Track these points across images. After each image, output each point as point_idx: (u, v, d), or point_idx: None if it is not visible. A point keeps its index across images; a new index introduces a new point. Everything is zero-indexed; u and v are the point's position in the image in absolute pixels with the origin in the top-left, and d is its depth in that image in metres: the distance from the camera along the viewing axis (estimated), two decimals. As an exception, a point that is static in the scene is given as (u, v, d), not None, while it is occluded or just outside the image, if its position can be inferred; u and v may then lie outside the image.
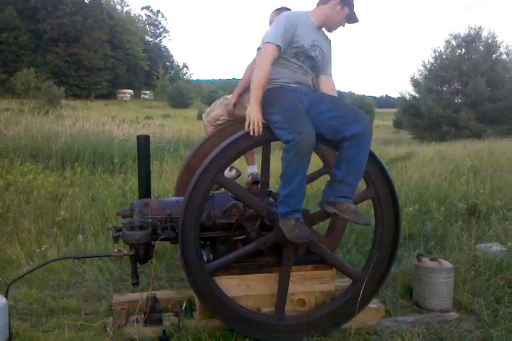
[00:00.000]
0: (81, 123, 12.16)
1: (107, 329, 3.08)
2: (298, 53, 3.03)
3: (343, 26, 3.14)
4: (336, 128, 2.88)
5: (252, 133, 2.88)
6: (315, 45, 3.07)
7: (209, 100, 67.82)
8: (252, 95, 2.93)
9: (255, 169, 4.18)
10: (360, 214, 2.97)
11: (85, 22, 59.95)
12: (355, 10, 3.09)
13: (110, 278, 4.06)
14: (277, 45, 2.93)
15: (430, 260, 3.71)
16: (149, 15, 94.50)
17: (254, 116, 2.87)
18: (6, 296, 2.95)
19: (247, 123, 2.90)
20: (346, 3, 3.03)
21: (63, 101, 32.99)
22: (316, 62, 3.11)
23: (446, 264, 3.67)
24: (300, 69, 3.08)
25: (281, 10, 3.85)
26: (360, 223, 2.99)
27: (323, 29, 3.18)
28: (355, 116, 2.92)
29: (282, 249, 3.11)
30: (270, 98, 2.95)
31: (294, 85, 3.07)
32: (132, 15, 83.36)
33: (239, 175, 4.07)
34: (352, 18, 3.10)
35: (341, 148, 2.93)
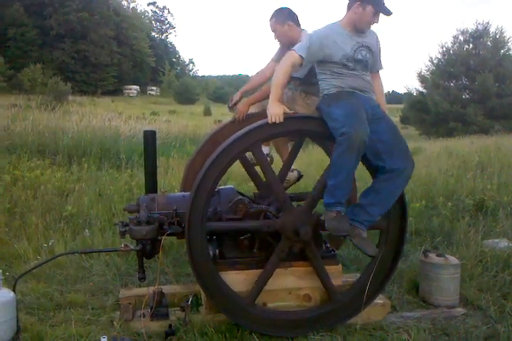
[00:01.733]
0: (88, 119, 12.18)
1: (114, 323, 3.10)
2: (345, 63, 3.09)
3: (377, 22, 3.16)
4: (379, 154, 2.97)
5: None
6: (359, 47, 3.12)
7: (214, 96, 67.91)
8: (272, 93, 3.01)
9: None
10: (370, 244, 3.03)
11: (92, 18, 59.89)
12: (384, 2, 3.10)
13: (117, 272, 4.08)
14: (300, 55, 3.01)
15: (437, 256, 3.70)
16: (155, 12, 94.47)
17: (274, 113, 2.92)
18: (13, 290, 2.97)
19: (269, 120, 2.94)
20: (367, 2, 3.05)
21: (70, 98, 33.05)
22: (366, 61, 3.16)
23: (453, 260, 3.66)
24: (357, 77, 3.13)
25: (282, 11, 3.76)
26: (365, 252, 3.03)
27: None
28: (404, 153, 3.02)
29: (280, 239, 3.11)
30: (339, 96, 3.05)
31: (365, 95, 3.14)
32: (138, 11, 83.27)
33: (300, 176, 4.09)
34: (383, 12, 3.11)
35: (377, 177, 3.03)
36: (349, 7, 3.13)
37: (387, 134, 3.04)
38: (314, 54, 3.06)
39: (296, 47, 3.10)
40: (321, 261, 3.19)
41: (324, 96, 3.17)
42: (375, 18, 3.12)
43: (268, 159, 3.81)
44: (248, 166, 3.91)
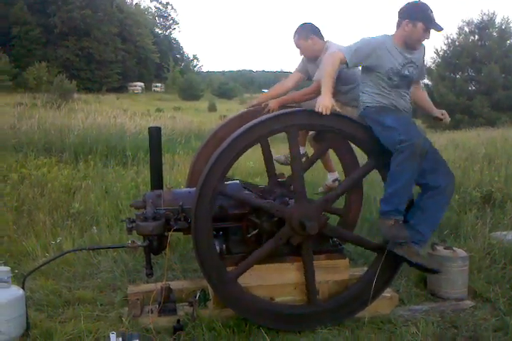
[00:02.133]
0: (93, 116, 12.20)
1: (123, 319, 3.12)
2: (390, 76, 3.11)
3: (428, 38, 3.15)
4: (424, 171, 2.99)
5: None
6: (407, 63, 3.14)
7: (219, 92, 67.82)
8: (324, 86, 3.03)
9: (337, 175, 4.21)
10: (429, 260, 3.12)
11: (95, 15, 59.89)
12: (434, 18, 3.10)
13: (125, 269, 4.10)
14: (345, 57, 3.08)
15: (445, 248, 3.69)
16: (159, 8, 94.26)
17: (324, 104, 2.92)
18: (23, 287, 3.00)
19: (316, 108, 2.93)
20: (417, 19, 3.05)
21: (75, 95, 33.13)
22: (410, 78, 3.20)
23: (461, 253, 3.65)
24: (400, 97, 3.18)
25: (304, 27, 3.82)
26: (428, 268, 3.06)
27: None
28: (447, 171, 3.08)
29: (283, 226, 3.08)
30: (385, 108, 3.11)
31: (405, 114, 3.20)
32: (142, 7, 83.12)
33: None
34: (434, 28, 3.11)
35: (420, 196, 3.07)
36: (398, 24, 3.13)
37: (431, 153, 3.05)
38: (361, 57, 3.10)
39: (342, 48, 3.15)
40: (313, 260, 3.15)
41: (367, 107, 3.18)
42: (425, 35, 3.11)
43: (304, 158, 3.83)
44: (267, 157, 3.86)
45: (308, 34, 3.75)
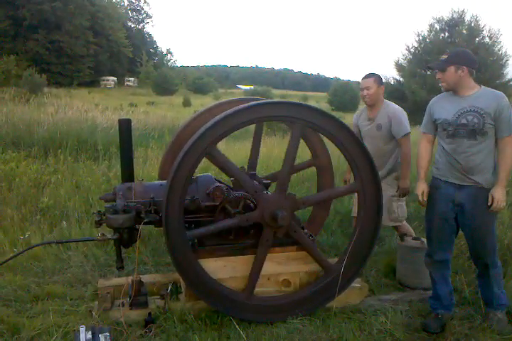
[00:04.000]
0: (63, 110, 11.95)
1: (93, 313, 3.07)
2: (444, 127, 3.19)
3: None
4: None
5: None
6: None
7: (194, 87, 67.24)
8: (419, 169, 3.35)
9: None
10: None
11: (66, 8, 58.53)
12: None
13: (96, 263, 4.06)
14: (425, 133, 3.38)
15: (413, 239, 3.76)
16: (131, 1, 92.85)
17: (418, 192, 3.24)
18: (-12, 282, 2.93)
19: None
20: None
21: (45, 89, 32.36)
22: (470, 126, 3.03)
23: (429, 243, 3.71)
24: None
25: (379, 76, 4.03)
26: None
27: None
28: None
29: (262, 229, 3.12)
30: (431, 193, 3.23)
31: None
32: (114, 1, 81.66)
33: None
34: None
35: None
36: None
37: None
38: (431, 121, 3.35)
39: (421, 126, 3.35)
40: (266, 252, 3.17)
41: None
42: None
43: None
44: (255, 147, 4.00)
45: (381, 83, 4.03)
